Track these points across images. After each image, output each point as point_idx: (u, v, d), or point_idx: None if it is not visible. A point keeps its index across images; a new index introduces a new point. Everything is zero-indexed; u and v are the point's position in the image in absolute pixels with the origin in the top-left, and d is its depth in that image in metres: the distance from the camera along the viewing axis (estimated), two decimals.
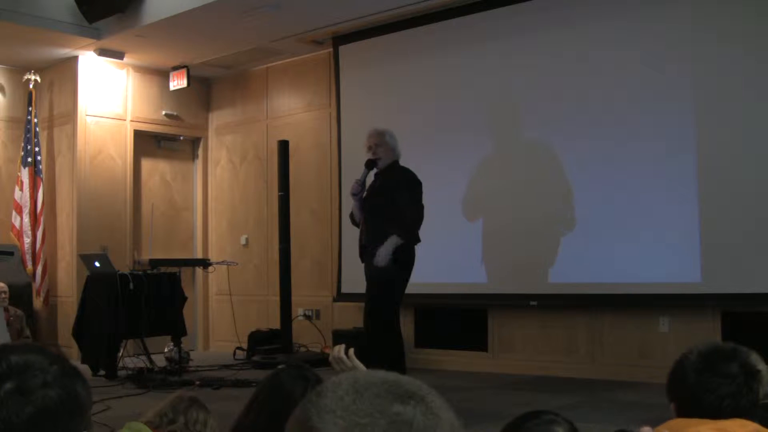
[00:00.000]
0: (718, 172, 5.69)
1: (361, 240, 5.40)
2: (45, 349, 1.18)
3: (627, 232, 6.04)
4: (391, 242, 5.12)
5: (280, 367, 2.12)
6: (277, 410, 1.99)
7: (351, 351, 2.30)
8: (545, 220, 6.47)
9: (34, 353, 1.13)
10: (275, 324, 7.71)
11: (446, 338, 7.07)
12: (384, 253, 5.11)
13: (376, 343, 5.13)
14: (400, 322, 5.41)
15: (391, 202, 5.22)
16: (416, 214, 5.22)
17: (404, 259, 5.21)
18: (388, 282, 5.19)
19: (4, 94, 8.43)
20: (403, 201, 5.20)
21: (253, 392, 2.09)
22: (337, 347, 2.29)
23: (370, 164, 5.35)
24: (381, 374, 0.81)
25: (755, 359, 1.75)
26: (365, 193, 5.36)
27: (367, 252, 5.28)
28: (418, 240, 5.29)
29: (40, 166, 8.09)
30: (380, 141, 5.36)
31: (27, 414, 1.07)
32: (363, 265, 5.38)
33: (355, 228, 5.53)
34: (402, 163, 5.39)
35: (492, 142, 6.81)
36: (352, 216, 5.53)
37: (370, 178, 5.42)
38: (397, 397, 0.78)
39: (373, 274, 5.26)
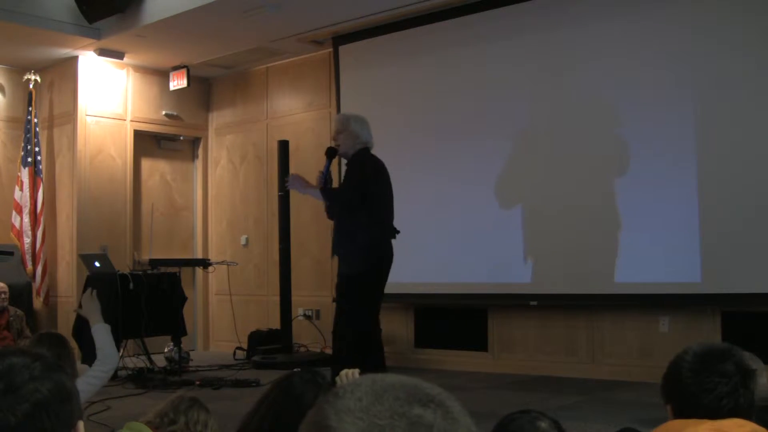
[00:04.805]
0: (718, 172, 5.68)
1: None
2: (24, 350, 1.18)
3: (627, 232, 6.03)
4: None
5: (295, 370, 2.14)
6: (285, 411, 2.01)
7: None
8: (543, 221, 6.47)
9: (15, 355, 1.14)
10: (275, 324, 7.71)
11: (446, 338, 7.07)
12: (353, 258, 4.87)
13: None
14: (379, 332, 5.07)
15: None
16: (343, 196, 4.95)
17: (375, 255, 4.92)
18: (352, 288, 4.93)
19: (4, 94, 8.44)
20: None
21: (263, 392, 2.11)
22: (351, 371, 2.35)
23: (329, 153, 5.07)
24: (399, 378, 0.81)
25: (750, 358, 1.75)
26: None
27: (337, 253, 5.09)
28: (393, 233, 5.02)
29: (40, 166, 8.09)
30: (341, 127, 5.00)
31: (23, 411, 1.07)
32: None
33: None
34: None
35: (491, 142, 6.80)
36: (327, 209, 5.29)
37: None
38: (417, 401, 0.78)
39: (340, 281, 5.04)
